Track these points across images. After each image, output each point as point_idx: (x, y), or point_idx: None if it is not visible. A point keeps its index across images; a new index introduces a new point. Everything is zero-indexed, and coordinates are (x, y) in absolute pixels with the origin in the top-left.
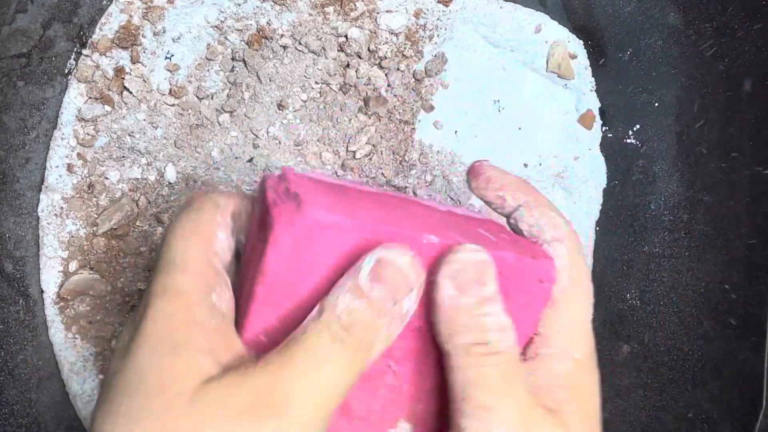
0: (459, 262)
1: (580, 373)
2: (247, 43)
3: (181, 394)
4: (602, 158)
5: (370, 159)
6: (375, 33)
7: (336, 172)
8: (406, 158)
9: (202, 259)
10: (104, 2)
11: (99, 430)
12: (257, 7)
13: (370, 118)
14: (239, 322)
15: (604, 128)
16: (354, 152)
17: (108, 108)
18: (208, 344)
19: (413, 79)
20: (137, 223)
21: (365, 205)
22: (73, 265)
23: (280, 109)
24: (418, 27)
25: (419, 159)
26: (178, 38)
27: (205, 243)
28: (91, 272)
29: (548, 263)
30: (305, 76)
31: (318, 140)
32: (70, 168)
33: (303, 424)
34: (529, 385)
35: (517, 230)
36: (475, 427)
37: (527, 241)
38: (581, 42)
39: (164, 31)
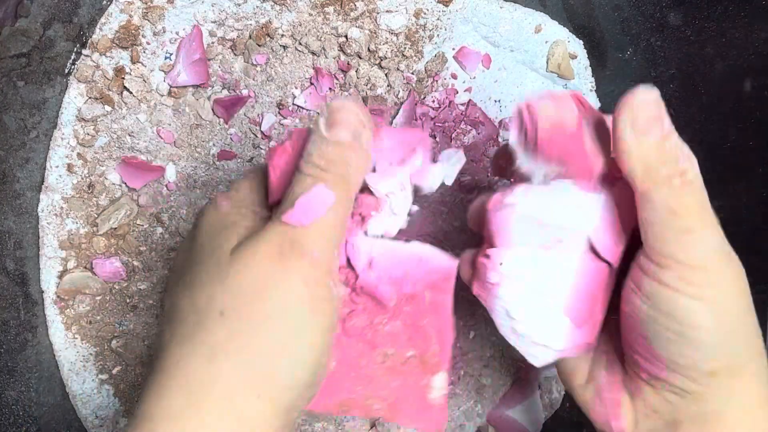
0: (636, 105)
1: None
2: (246, 43)
3: (225, 252)
4: None
5: None
6: (375, 33)
7: None
8: None
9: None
10: (104, 2)
11: (172, 293)
12: (257, 7)
13: None
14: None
15: None
16: None
17: (108, 108)
18: (250, 222)
19: (414, 79)
20: (137, 222)
21: None
22: (72, 265)
23: (279, 109)
24: (418, 27)
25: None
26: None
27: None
28: (84, 270)
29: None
30: (305, 77)
31: None
32: (70, 168)
33: (318, 255)
34: None
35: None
36: (678, 250)
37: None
38: (581, 42)
39: (164, 31)
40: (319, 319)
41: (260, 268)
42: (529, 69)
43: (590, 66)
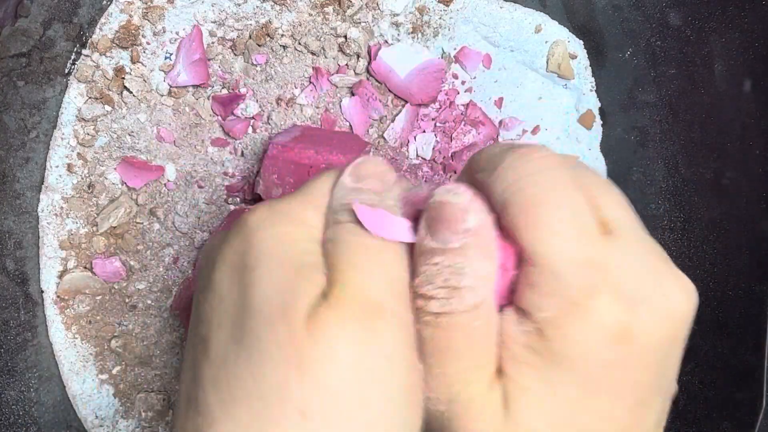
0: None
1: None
2: (246, 43)
3: (300, 317)
4: (602, 158)
5: None
6: (374, 33)
7: None
8: (407, 156)
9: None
10: (104, 2)
11: (225, 357)
12: (257, 7)
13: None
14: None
15: (604, 128)
16: None
17: (108, 108)
18: (320, 260)
19: None
20: (137, 221)
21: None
22: (72, 265)
23: (278, 105)
24: (419, 25)
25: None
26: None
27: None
28: (84, 270)
29: None
30: (304, 76)
31: None
32: (70, 168)
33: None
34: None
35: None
36: None
37: None
38: (581, 42)
39: (164, 31)
40: (415, 412)
41: (347, 353)
42: (529, 69)
43: (590, 66)
